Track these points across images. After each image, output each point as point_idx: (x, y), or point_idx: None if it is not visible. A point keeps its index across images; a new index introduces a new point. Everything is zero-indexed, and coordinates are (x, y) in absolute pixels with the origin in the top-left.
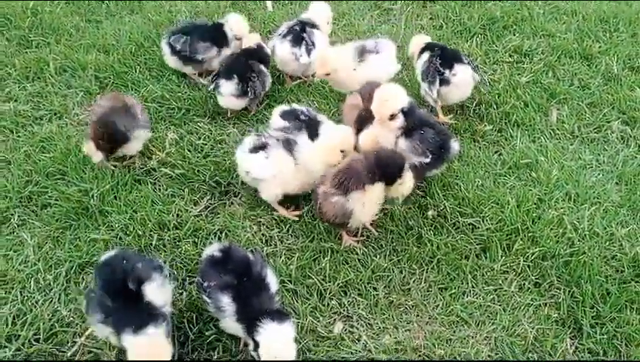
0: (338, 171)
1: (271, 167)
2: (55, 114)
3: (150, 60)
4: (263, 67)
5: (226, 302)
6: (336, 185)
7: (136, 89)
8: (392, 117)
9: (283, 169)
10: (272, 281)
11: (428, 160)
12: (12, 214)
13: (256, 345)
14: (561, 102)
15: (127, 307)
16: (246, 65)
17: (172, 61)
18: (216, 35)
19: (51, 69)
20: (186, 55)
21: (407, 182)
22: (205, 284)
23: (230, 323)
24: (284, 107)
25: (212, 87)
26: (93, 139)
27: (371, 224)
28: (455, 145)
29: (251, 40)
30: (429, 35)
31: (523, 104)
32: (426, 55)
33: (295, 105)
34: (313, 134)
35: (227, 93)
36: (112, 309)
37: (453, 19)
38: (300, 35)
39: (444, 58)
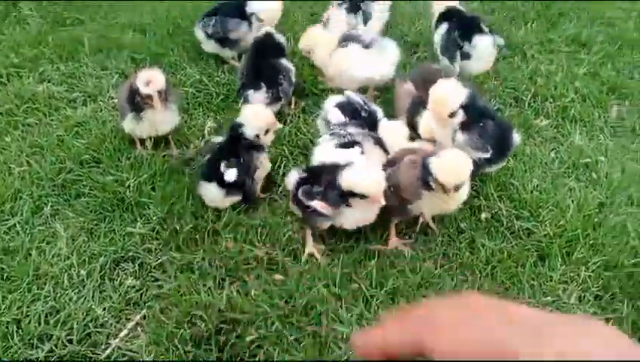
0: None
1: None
2: (89, 96)
3: (187, 42)
4: (285, 62)
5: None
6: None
7: (173, 72)
8: (452, 115)
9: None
10: None
11: (488, 155)
12: (45, 203)
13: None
14: (621, 97)
15: None
16: (269, 66)
17: (209, 46)
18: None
19: (86, 49)
20: (220, 36)
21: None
22: (315, 189)
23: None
24: (338, 98)
25: (241, 101)
26: None
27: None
28: (516, 137)
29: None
30: None
31: (581, 98)
32: (444, 26)
33: (350, 94)
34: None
35: (258, 103)
36: None
37: (506, 4)
38: (357, 3)
39: (463, 29)
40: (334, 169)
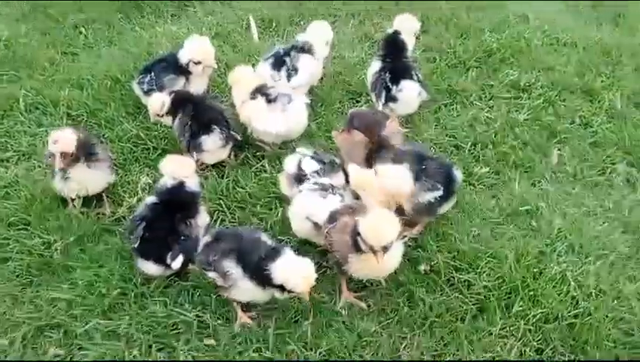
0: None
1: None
2: (23, 155)
3: (126, 96)
4: (217, 103)
5: (231, 265)
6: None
7: (110, 127)
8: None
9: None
10: (266, 238)
11: (440, 192)
12: None
13: (282, 288)
14: (562, 142)
15: None
16: (210, 110)
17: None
18: (179, 64)
19: (21, 107)
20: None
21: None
22: (210, 258)
23: (244, 286)
24: (300, 154)
25: (194, 155)
26: None
27: None
28: (458, 173)
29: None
30: (423, 68)
31: (522, 143)
32: (377, 64)
33: (303, 151)
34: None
35: (214, 147)
36: None
37: (448, 52)
38: (282, 58)
39: (393, 72)
40: (234, 237)
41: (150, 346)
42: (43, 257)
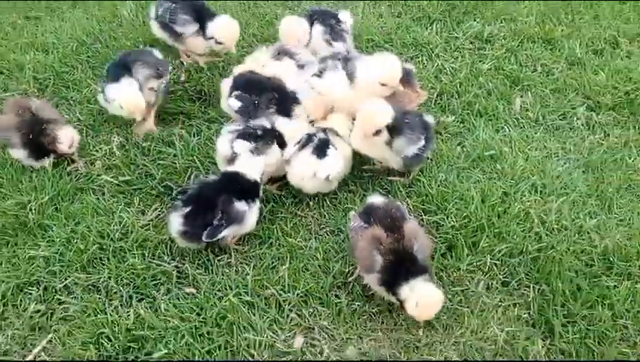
0: None
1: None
2: None
3: (92, 58)
4: None
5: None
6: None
7: (78, 89)
8: (377, 132)
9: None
10: None
11: (423, 142)
12: None
13: None
14: (525, 89)
15: None
16: None
17: (154, 27)
18: (203, 14)
19: None
20: (164, 22)
21: None
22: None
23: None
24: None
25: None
26: None
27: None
28: (430, 119)
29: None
30: (388, 23)
31: (485, 93)
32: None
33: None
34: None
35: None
36: None
37: (411, 6)
38: None
39: None
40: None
41: (131, 297)
42: (18, 218)
